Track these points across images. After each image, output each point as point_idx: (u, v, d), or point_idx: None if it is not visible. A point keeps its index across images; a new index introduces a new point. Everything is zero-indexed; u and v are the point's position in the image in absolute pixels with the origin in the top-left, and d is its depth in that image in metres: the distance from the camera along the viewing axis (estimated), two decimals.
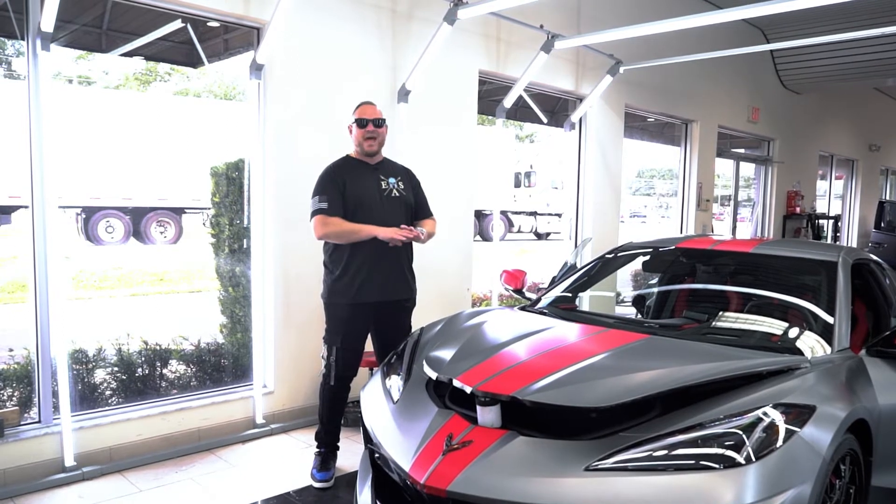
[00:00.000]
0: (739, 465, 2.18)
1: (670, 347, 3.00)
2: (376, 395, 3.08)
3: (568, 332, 3.21)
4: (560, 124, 7.03)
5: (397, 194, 3.76)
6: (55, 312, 3.69)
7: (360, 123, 3.71)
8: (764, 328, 3.32)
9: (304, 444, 4.31)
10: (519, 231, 22.15)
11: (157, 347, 4.49)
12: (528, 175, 22.28)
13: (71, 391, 3.74)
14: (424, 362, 2.95)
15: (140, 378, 4.38)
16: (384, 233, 3.55)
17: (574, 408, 2.45)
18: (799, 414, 2.40)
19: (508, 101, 5.92)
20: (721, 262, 4.00)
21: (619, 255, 4.27)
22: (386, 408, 2.93)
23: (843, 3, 4.21)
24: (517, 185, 22.20)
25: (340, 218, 3.59)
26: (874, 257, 4.03)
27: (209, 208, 5.02)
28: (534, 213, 22.39)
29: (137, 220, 14.37)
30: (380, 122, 3.71)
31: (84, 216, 14.00)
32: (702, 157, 8.83)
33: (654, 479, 2.21)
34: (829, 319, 3.18)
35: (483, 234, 18.34)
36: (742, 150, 11.00)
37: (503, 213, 21.00)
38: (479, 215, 18.84)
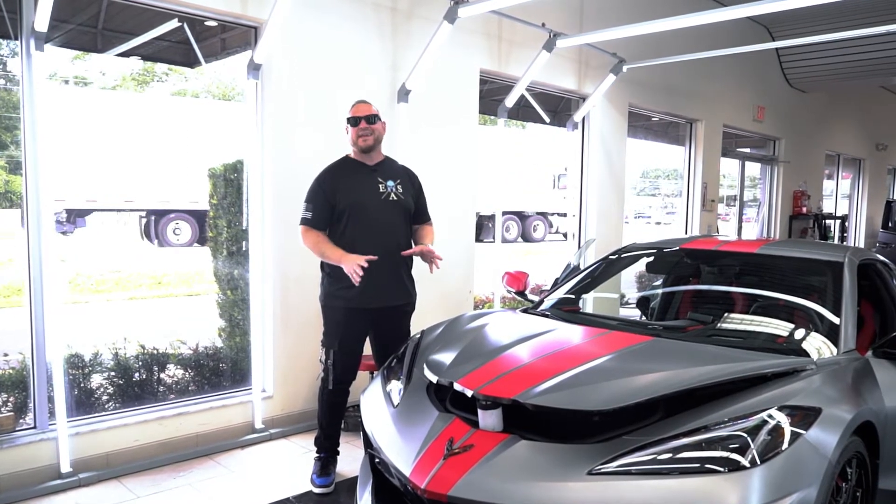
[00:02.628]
0: (744, 468, 2.16)
1: (674, 350, 2.97)
2: (376, 400, 3.05)
3: (571, 334, 3.18)
4: (563, 124, 6.98)
5: (395, 198, 3.70)
6: (51, 316, 3.65)
7: (353, 122, 3.67)
8: (769, 330, 3.29)
9: (303, 449, 4.27)
10: (557, 231, 22.18)
11: (155, 351, 4.46)
12: (560, 177, 22.24)
13: (67, 396, 3.70)
14: (425, 366, 2.92)
15: (137, 383, 4.34)
16: (347, 266, 3.40)
17: (577, 411, 2.43)
18: (804, 416, 2.37)
19: (510, 101, 5.88)
20: (726, 263, 3.96)
21: (622, 256, 4.23)
22: (386, 412, 2.90)
23: None
24: (554, 186, 22.21)
25: (320, 231, 3.60)
26: (881, 258, 3.98)
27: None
28: (565, 215, 22.23)
29: (201, 223, 14.12)
30: (372, 119, 3.66)
31: (152, 219, 13.86)
32: (707, 157, 8.77)
33: (659, 482, 2.18)
34: (836, 320, 3.14)
35: (525, 236, 18.81)
36: (747, 150, 10.92)
37: (542, 214, 21.46)
38: (522, 216, 20.30)
